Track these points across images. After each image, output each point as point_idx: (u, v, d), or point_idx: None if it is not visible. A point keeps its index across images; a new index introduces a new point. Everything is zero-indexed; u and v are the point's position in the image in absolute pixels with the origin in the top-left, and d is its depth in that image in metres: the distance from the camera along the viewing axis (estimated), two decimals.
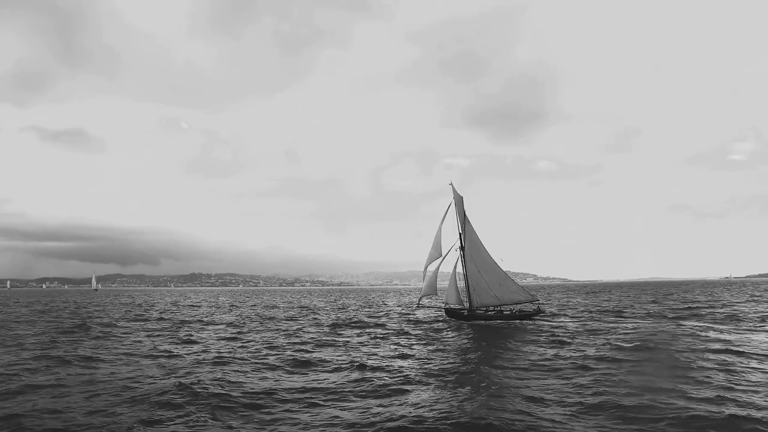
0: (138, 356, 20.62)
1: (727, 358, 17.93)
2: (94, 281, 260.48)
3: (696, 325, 29.58)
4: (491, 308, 36.32)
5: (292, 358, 19.88)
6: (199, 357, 20.29)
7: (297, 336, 28.08)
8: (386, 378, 15.80)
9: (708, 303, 53.52)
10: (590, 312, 43.39)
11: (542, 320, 35.56)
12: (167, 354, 21.14)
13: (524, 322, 34.73)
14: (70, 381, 15.55)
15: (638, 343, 21.90)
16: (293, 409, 12.30)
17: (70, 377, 16.17)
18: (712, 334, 25.03)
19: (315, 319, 41.79)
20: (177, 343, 24.99)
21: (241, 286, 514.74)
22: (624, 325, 31.16)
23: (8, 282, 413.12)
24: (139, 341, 26.03)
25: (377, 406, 12.49)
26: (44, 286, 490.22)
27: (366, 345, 24.14)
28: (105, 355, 20.88)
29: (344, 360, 19.25)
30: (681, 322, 32.28)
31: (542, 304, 44.26)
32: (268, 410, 12.14)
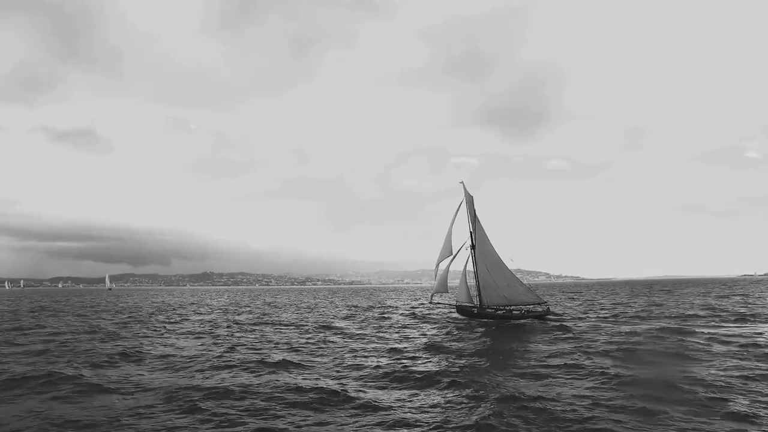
0: None
1: None
2: (107, 281, 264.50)
3: None
4: (501, 307, 36.70)
5: None
6: None
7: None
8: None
9: None
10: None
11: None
12: None
13: (536, 321, 34.88)
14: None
15: None
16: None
17: None
18: None
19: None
20: None
21: (257, 285, 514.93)
22: None
23: (21, 281, 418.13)
24: None
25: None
26: (60, 285, 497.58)
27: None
28: None
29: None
30: None
31: (551, 305, 44.21)
32: None
